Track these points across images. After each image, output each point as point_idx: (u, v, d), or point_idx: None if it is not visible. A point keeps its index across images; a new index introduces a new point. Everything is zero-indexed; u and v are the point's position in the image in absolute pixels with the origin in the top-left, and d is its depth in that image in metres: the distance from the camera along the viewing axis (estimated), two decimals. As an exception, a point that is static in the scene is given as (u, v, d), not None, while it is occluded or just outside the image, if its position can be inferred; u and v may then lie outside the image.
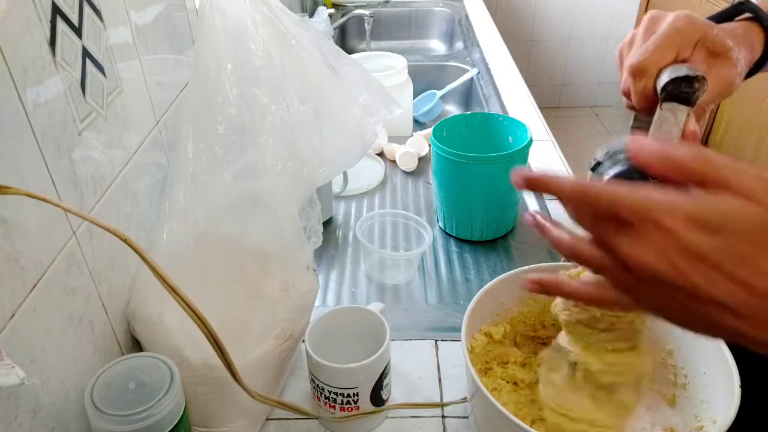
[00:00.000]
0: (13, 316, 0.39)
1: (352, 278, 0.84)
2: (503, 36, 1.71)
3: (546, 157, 1.08)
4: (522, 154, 0.84)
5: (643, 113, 0.48)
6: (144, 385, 0.47)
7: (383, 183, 1.06)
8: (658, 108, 0.45)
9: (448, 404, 0.62)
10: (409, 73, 1.22)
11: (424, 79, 1.48)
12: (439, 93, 1.40)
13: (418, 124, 1.36)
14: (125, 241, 0.42)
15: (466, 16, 1.89)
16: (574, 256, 0.35)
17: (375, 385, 0.58)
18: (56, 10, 0.45)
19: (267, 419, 0.62)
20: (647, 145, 0.32)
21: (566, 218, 0.35)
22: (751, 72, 0.52)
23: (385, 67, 1.21)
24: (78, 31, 0.48)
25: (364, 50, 1.83)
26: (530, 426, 0.46)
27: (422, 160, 1.11)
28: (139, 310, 0.55)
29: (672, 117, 0.44)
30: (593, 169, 0.42)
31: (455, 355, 0.69)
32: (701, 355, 0.55)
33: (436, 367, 0.68)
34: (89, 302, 0.49)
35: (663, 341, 0.60)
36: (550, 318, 0.63)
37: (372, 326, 0.61)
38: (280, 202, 0.57)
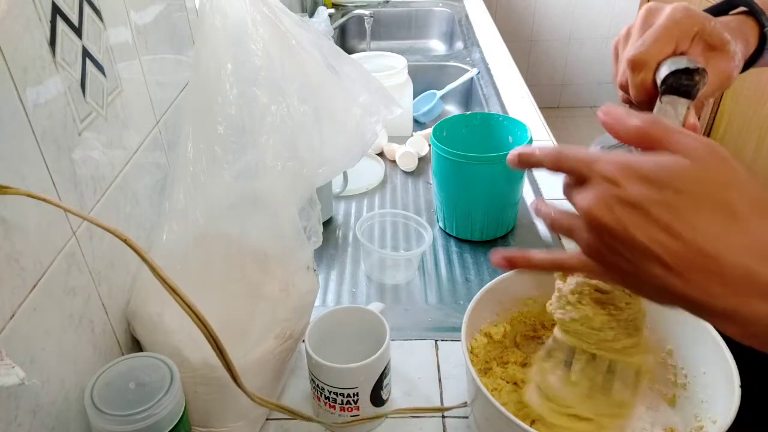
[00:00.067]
0: (13, 316, 0.39)
1: (352, 278, 0.84)
2: (503, 36, 1.71)
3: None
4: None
5: (641, 107, 0.48)
6: (144, 385, 0.47)
7: (383, 183, 1.06)
8: (657, 101, 0.45)
9: (448, 409, 0.62)
10: (409, 73, 1.22)
11: (424, 79, 1.48)
12: (439, 93, 1.40)
13: (418, 124, 1.36)
14: (125, 241, 0.42)
15: (466, 16, 1.89)
16: (553, 223, 0.38)
17: (375, 385, 0.58)
18: (56, 10, 0.45)
19: (267, 419, 0.62)
20: (613, 111, 0.35)
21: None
22: (745, 67, 0.52)
23: (385, 67, 1.21)
24: (78, 31, 0.48)
25: (364, 50, 1.83)
26: (530, 426, 0.46)
27: (422, 160, 1.11)
28: (139, 310, 0.55)
29: (672, 110, 0.43)
30: None
31: (455, 355, 0.69)
32: (701, 355, 0.55)
33: (436, 367, 0.68)
34: (89, 302, 0.49)
35: (663, 341, 0.60)
36: (550, 318, 0.63)
37: (372, 326, 0.61)
38: (280, 202, 0.57)
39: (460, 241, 0.91)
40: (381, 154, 1.15)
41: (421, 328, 0.74)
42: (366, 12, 1.74)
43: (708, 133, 2.43)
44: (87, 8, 0.49)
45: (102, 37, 0.52)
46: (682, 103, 0.43)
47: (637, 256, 0.33)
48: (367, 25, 1.74)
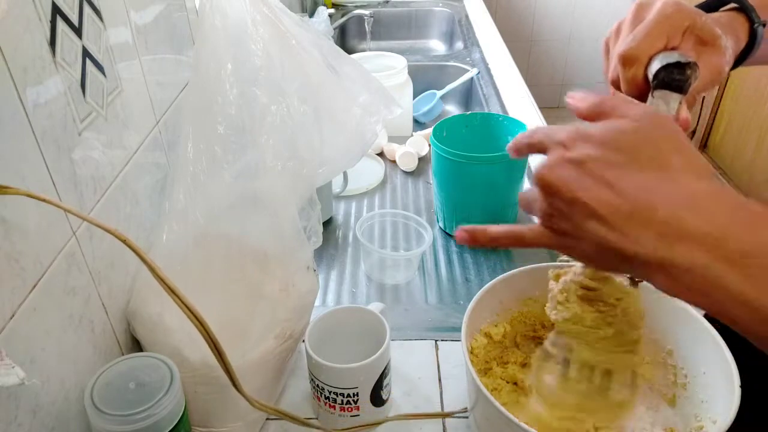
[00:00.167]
0: (13, 316, 0.39)
1: (352, 278, 0.84)
2: (503, 36, 1.71)
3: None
4: (525, 162, 0.85)
5: None
6: (144, 385, 0.47)
7: (383, 183, 1.06)
8: (649, 96, 0.44)
9: (449, 415, 0.62)
10: (409, 73, 1.22)
11: (424, 79, 1.48)
12: (439, 93, 1.40)
13: (418, 124, 1.36)
14: (125, 241, 0.42)
15: (466, 16, 1.89)
16: (520, 201, 0.40)
17: (375, 385, 0.58)
18: (56, 10, 0.45)
19: (267, 419, 0.62)
20: (577, 93, 0.39)
21: None
22: (736, 64, 0.52)
23: (385, 67, 1.21)
24: (78, 31, 0.48)
25: (364, 50, 1.83)
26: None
27: (422, 160, 1.11)
28: (139, 310, 0.55)
29: (664, 105, 0.43)
30: None
31: (455, 355, 0.69)
32: (701, 355, 0.55)
33: (436, 367, 0.68)
34: (89, 302, 0.49)
35: (663, 341, 0.60)
36: (549, 318, 0.63)
37: (372, 326, 0.61)
38: (280, 202, 0.57)
39: (460, 241, 0.91)
40: (381, 154, 1.15)
41: (421, 328, 0.74)
42: (366, 12, 1.74)
43: (708, 133, 2.43)
44: (87, 8, 0.49)
45: (102, 37, 0.52)
46: (674, 97, 0.43)
47: (577, 215, 0.35)
48: (367, 25, 1.74)
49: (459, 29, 1.83)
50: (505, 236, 0.42)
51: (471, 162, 0.83)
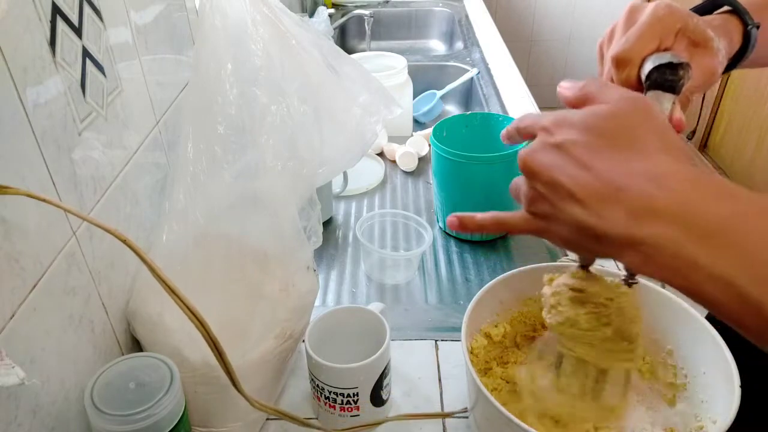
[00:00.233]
0: (13, 316, 0.39)
1: (352, 278, 0.84)
2: (503, 36, 1.71)
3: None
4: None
5: None
6: (144, 385, 0.47)
7: (383, 183, 1.06)
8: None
9: (449, 415, 0.62)
10: (409, 73, 1.22)
11: (424, 79, 1.48)
12: (439, 93, 1.40)
13: (418, 124, 1.36)
14: (125, 242, 0.42)
15: (466, 16, 1.89)
16: (510, 190, 0.41)
17: (375, 385, 0.58)
18: (56, 10, 0.45)
19: (267, 419, 0.62)
20: (567, 84, 0.40)
21: None
22: (730, 66, 0.52)
23: (385, 67, 1.21)
24: (78, 31, 0.48)
25: (364, 50, 1.83)
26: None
27: (422, 160, 1.11)
28: (139, 310, 0.55)
29: (657, 105, 0.43)
30: None
31: (455, 355, 0.69)
32: (701, 355, 0.55)
33: (436, 367, 0.68)
34: (89, 302, 0.49)
35: (663, 341, 0.60)
36: (550, 318, 0.63)
37: (372, 326, 0.61)
38: (280, 202, 0.57)
39: (460, 241, 0.91)
40: (381, 154, 1.15)
41: (421, 328, 0.74)
42: (366, 12, 1.74)
43: (708, 133, 2.43)
44: (87, 8, 0.49)
45: (102, 37, 0.52)
46: (667, 98, 0.44)
47: (556, 197, 0.36)
48: (367, 25, 1.74)
49: (459, 29, 1.83)
50: (490, 222, 0.43)
51: (471, 162, 0.83)
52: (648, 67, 0.44)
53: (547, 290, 0.51)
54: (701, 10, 0.51)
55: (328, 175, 0.65)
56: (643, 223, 0.32)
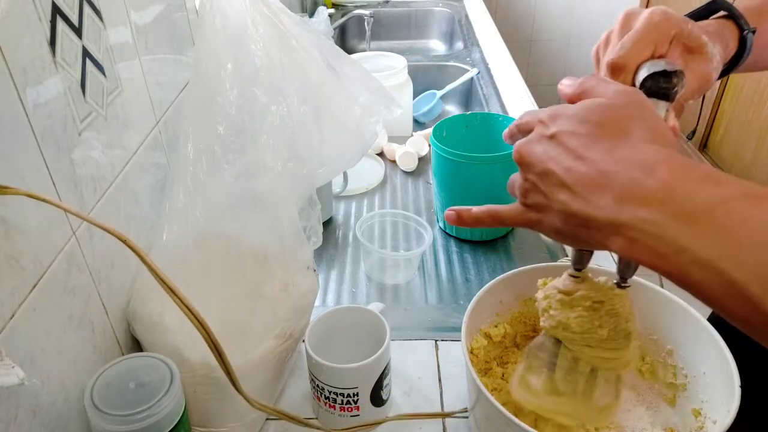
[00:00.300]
0: (13, 316, 0.39)
1: (352, 278, 0.84)
2: (503, 36, 1.71)
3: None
4: None
5: None
6: (144, 385, 0.47)
7: (383, 183, 1.06)
8: None
9: (449, 414, 0.62)
10: (409, 73, 1.22)
11: (424, 79, 1.48)
12: (439, 93, 1.40)
13: (418, 124, 1.36)
14: (125, 242, 0.42)
15: (466, 16, 1.89)
16: (508, 186, 0.42)
17: (375, 385, 0.58)
18: (56, 10, 0.45)
19: (267, 419, 0.62)
20: (567, 81, 0.42)
21: None
22: (727, 70, 0.52)
23: (385, 67, 1.21)
24: (78, 31, 0.48)
25: (364, 50, 1.83)
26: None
27: (422, 160, 1.11)
28: (139, 310, 0.55)
29: None
30: None
31: (455, 355, 0.69)
32: (701, 355, 0.55)
33: (436, 367, 0.68)
34: (89, 302, 0.49)
35: (663, 341, 0.60)
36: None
37: (372, 326, 0.61)
38: (280, 202, 0.57)
39: (460, 241, 0.91)
40: (381, 154, 1.15)
41: (421, 328, 0.74)
42: (366, 12, 1.74)
43: (708, 133, 2.43)
44: (87, 8, 0.49)
45: (102, 37, 0.52)
46: (661, 105, 0.44)
47: (548, 186, 0.37)
48: (367, 25, 1.74)
49: (459, 29, 1.83)
50: (485, 215, 0.45)
51: (471, 162, 0.83)
52: (642, 74, 0.45)
53: (539, 294, 0.52)
54: (697, 15, 0.52)
55: (328, 175, 0.65)
56: (629, 207, 0.33)
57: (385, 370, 0.58)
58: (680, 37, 0.46)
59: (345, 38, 1.91)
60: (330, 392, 0.57)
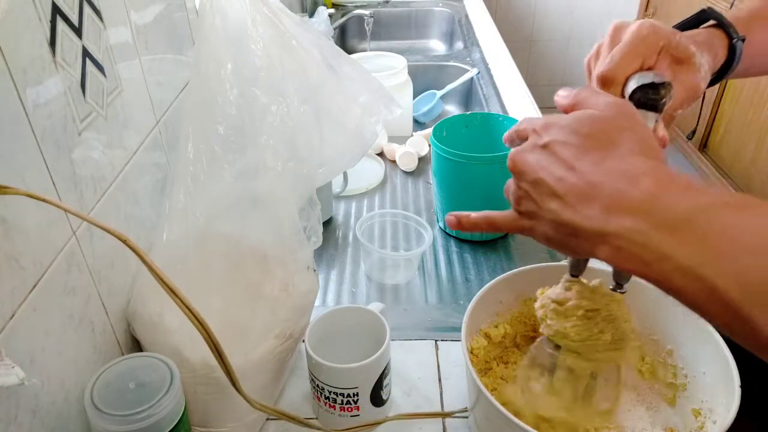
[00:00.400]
0: (13, 316, 0.39)
1: (352, 278, 0.84)
2: (503, 36, 1.71)
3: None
4: None
5: None
6: (144, 385, 0.47)
7: (383, 183, 1.06)
8: None
9: (449, 414, 0.62)
10: (409, 73, 1.22)
11: (424, 79, 1.48)
12: (439, 93, 1.40)
13: (418, 124, 1.36)
14: (125, 242, 0.42)
15: (466, 16, 1.89)
16: (504, 191, 0.43)
17: (375, 385, 0.58)
18: (56, 10, 0.45)
19: (267, 419, 0.62)
20: (563, 93, 0.43)
21: None
22: (717, 78, 0.53)
23: (385, 67, 1.21)
24: (78, 31, 0.48)
25: (364, 50, 1.83)
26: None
27: (422, 160, 1.11)
28: (139, 310, 0.55)
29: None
30: None
31: (455, 355, 0.69)
32: (701, 355, 0.55)
33: (436, 367, 0.68)
34: (89, 302, 0.49)
35: (663, 341, 0.60)
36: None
37: (372, 326, 0.61)
38: (280, 202, 0.57)
39: (460, 241, 0.91)
40: (381, 154, 1.15)
41: (421, 328, 0.74)
42: (366, 12, 1.74)
43: (708, 133, 2.43)
44: (87, 8, 0.49)
45: (102, 37, 0.52)
46: (651, 116, 0.45)
47: (540, 194, 0.38)
48: (367, 26, 1.74)
49: (459, 29, 1.83)
50: (482, 221, 0.45)
51: (471, 162, 0.83)
52: (632, 86, 0.46)
53: (537, 303, 0.52)
54: (688, 24, 0.53)
55: (328, 175, 0.65)
56: (615, 217, 0.34)
57: (385, 370, 0.58)
58: (668, 49, 0.47)
59: (345, 38, 1.91)
60: (330, 392, 0.57)
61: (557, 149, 0.38)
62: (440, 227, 0.94)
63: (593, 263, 0.49)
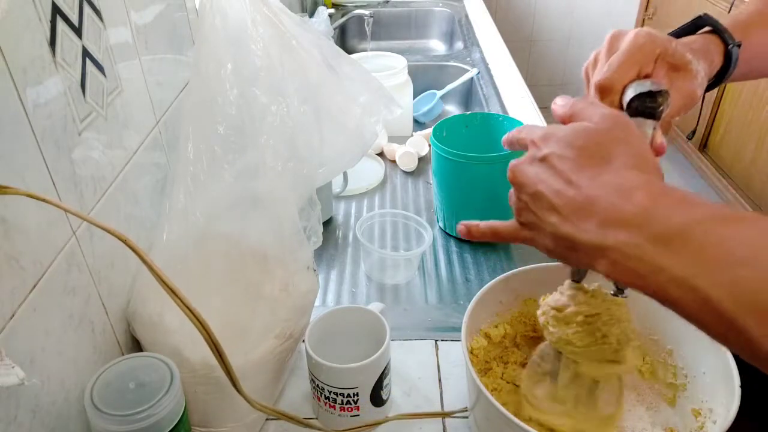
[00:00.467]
0: (13, 316, 0.39)
1: (352, 278, 0.84)
2: (503, 36, 1.71)
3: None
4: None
5: None
6: (144, 385, 0.47)
7: (383, 183, 1.06)
8: None
9: (449, 414, 0.62)
10: (409, 73, 1.22)
11: (424, 79, 1.48)
12: (439, 93, 1.40)
13: (418, 124, 1.36)
14: (125, 242, 0.42)
15: (466, 16, 1.89)
16: (509, 200, 0.43)
17: (375, 385, 0.58)
18: (56, 10, 0.45)
19: (267, 419, 0.62)
20: (560, 101, 0.43)
21: None
22: (714, 84, 0.54)
23: (385, 67, 1.21)
24: (78, 31, 0.48)
25: (364, 50, 1.83)
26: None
27: (422, 160, 1.11)
28: (139, 310, 0.55)
29: (639, 131, 0.45)
30: None
31: (455, 355, 0.69)
32: (701, 355, 0.55)
33: (436, 367, 0.68)
34: (89, 302, 0.49)
35: (663, 341, 0.60)
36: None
37: (372, 326, 0.61)
38: (280, 202, 0.57)
39: (460, 241, 0.91)
40: (381, 154, 1.15)
41: (421, 328, 0.74)
42: (366, 12, 1.74)
43: (708, 133, 2.43)
44: (87, 8, 0.49)
45: (102, 37, 0.52)
46: (648, 124, 0.45)
47: (539, 207, 0.39)
48: (367, 26, 1.74)
49: (459, 29, 1.83)
50: (487, 230, 0.46)
51: (471, 162, 0.83)
52: (629, 94, 0.46)
53: (539, 311, 0.52)
54: (685, 31, 0.53)
55: (328, 175, 0.65)
56: (611, 231, 0.35)
57: (385, 370, 0.58)
58: (665, 56, 0.48)
59: (345, 38, 1.91)
60: (330, 392, 0.57)
61: (555, 162, 0.38)
62: (440, 227, 0.94)
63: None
